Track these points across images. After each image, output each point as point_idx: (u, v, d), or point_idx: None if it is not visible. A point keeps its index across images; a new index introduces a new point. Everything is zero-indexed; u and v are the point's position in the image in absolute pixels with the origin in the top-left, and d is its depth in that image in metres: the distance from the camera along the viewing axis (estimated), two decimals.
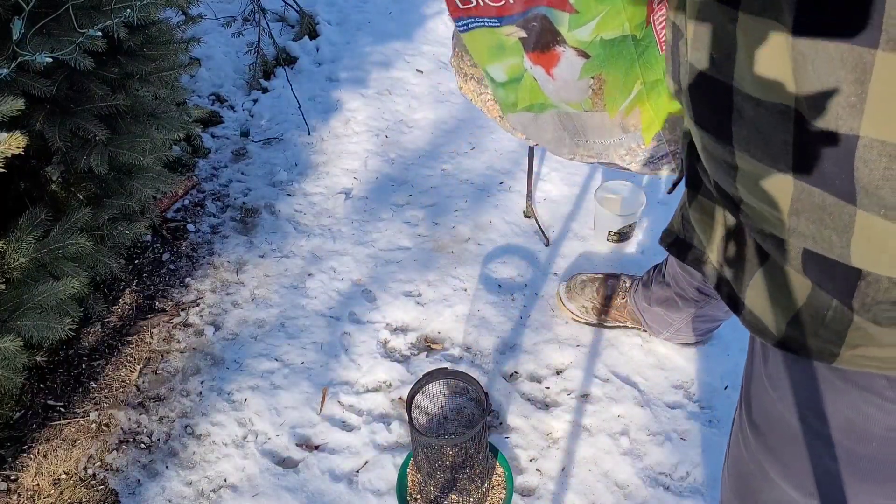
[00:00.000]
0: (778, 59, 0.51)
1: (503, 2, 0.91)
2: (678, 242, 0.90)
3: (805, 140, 0.52)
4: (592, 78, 0.96)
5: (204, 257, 1.94)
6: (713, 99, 0.59)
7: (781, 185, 0.56)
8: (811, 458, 0.72)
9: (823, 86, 0.48)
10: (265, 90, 2.53)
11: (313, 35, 2.79)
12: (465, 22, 0.99)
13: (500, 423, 1.54)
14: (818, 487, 0.73)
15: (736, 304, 0.72)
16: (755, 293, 0.68)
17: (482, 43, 1.01)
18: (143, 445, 1.54)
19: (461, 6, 0.97)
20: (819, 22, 0.46)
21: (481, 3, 0.94)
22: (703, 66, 0.59)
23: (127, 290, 1.85)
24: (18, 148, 1.09)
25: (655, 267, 1.55)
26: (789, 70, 0.50)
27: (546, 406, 1.56)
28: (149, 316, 1.79)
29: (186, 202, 2.10)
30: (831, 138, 0.49)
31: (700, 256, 0.83)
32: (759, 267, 0.66)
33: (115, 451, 1.52)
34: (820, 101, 0.49)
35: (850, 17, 0.44)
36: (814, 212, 0.55)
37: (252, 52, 2.55)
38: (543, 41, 0.94)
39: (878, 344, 0.59)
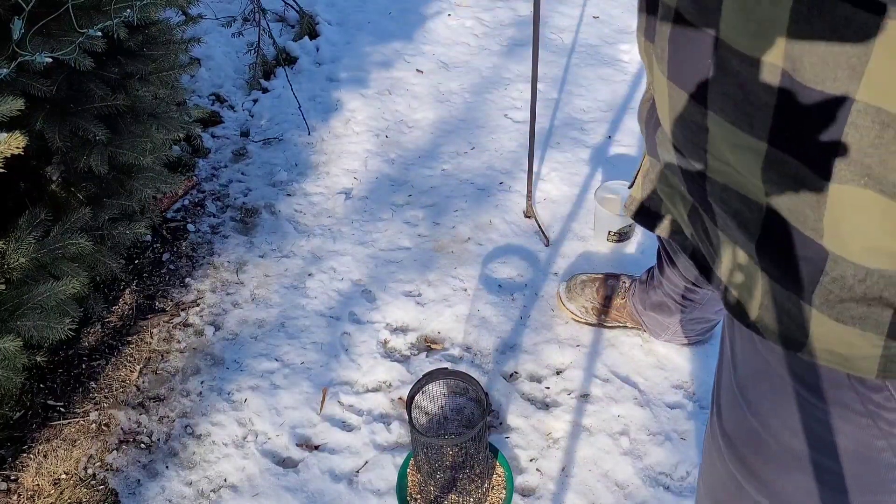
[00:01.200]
0: (775, 9, 0.47)
1: None
2: (644, 211, 0.87)
3: (789, 102, 0.49)
4: None
5: (204, 257, 1.94)
6: (693, 52, 0.56)
7: (755, 151, 0.53)
8: (784, 472, 0.71)
9: (824, 43, 0.45)
10: (265, 90, 2.53)
11: (313, 35, 2.79)
12: None
13: (500, 423, 1.54)
14: (792, 501, 0.72)
15: (711, 279, 0.70)
16: (728, 271, 0.65)
17: None
18: (143, 445, 1.54)
19: None
20: None
21: None
22: (686, 13, 0.55)
23: (127, 290, 1.85)
24: (18, 148, 1.09)
25: (650, 270, 1.55)
26: (785, 23, 0.47)
27: (546, 406, 1.56)
28: (149, 316, 1.79)
29: (186, 202, 2.10)
30: (821, 101, 0.47)
31: (672, 227, 0.80)
32: (730, 244, 0.64)
33: (115, 451, 1.52)
34: (817, 59, 0.46)
35: None
36: (787, 182, 0.52)
37: (252, 52, 2.55)
38: None
39: (838, 341, 0.57)
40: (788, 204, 0.54)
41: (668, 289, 1.42)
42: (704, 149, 0.59)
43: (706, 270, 0.71)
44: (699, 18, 0.54)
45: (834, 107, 0.47)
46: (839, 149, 0.48)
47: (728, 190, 0.59)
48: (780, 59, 0.48)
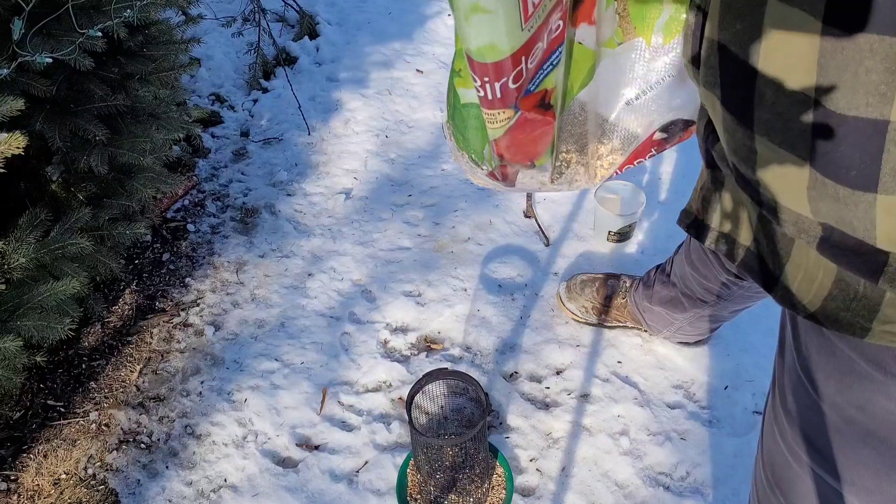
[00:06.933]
0: (804, 47, 0.52)
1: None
2: (697, 224, 0.90)
3: (825, 125, 0.53)
4: (616, 1, 0.95)
5: (204, 257, 1.94)
6: (737, 80, 0.61)
7: (798, 174, 0.57)
8: (851, 448, 0.73)
9: (851, 75, 0.49)
10: (265, 90, 2.53)
11: (313, 35, 2.79)
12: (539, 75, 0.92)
13: (500, 423, 1.54)
14: (857, 476, 0.74)
15: (769, 283, 0.73)
16: (791, 271, 0.69)
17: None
18: (143, 445, 1.54)
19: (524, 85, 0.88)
20: (851, 16, 0.48)
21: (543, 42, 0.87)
22: (730, 46, 0.60)
23: (127, 290, 1.85)
24: (18, 148, 1.09)
25: (658, 267, 1.55)
26: (814, 58, 0.51)
27: (546, 406, 1.56)
28: (149, 316, 1.79)
29: (186, 202, 2.10)
30: (857, 124, 0.51)
31: (721, 237, 0.84)
32: (792, 246, 0.68)
33: (115, 451, 1.52)
34: (846, 89, 0.50)
35: (884, 10, 0.46)
36: (830, 201, 0.56)
37: (252, 52, 2.55)
38: None
39: None
40: (835, 216, 0.58)
41: (689, 284, 1.40)
42: (754, 171, 0.64)
43: (765, 277, 0.74)
44: (742, 52, 0.59)
45: (870, 128, 0.51)
46: (882, 165, 0.52)
47: (779, 209, 0.63)
48: (812, 91, 0.53)
